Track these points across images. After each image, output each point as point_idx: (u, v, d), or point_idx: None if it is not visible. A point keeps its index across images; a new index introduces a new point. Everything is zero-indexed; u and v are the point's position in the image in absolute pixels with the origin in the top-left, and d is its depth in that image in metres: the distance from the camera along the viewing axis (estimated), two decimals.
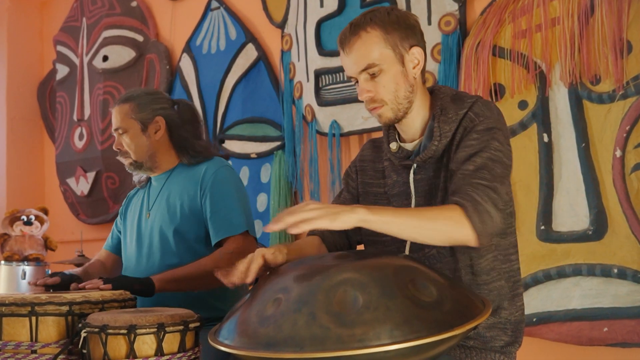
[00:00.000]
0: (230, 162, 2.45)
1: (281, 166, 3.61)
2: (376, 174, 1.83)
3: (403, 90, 1.67)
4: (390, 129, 1.80)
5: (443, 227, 1.50)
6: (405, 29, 1.67)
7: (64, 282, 2.15)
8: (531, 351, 2.60)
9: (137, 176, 2.46)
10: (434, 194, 1.68)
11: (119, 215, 2.53)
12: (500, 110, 1.70)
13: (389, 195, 1.78)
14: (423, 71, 1.72)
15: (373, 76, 1.66)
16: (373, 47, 1.65)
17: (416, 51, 1.68)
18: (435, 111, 1.70)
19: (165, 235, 2.27)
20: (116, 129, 2.36)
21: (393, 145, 1.77)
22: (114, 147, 2.37)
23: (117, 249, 2.50)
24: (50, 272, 3.73)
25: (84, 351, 1.62)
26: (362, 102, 1.72)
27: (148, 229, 2.32)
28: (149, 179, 2.44)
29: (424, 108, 1.73)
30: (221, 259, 2.15)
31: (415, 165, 1.72)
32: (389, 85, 1.66)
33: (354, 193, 1.88)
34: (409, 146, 1.75)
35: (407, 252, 1.71)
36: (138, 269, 2.32)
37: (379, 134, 1.85)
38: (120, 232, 2.49)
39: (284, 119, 3.61)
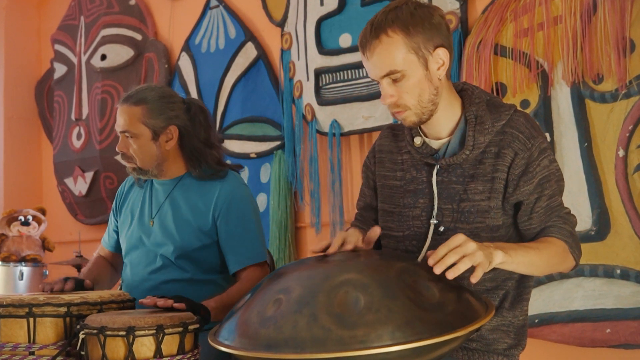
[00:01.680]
0: (242, 178, 2.35)
1: (281, 166, 3.60)
2: (394, 166, 1.77)
3: (427, 94, 1.61)
4: None
5: (556, 264, 1.60)
6: (429, 30, 1.58)
7: (77, 287, 2.07)
8: (533, 352, 2.58)
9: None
10: (454, 200, 1.65)
11: (112, 213, 2.44)
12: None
13: (404, 190, 1.73)
14: (448, 70, 1.65)
15: (396, 81, 1.59)
16: (395, 52, 1.56)
17: (441, 52, 1.60)
18: (469, 117, 1.65)
19: (171, 248, 2.19)
20: (123, 132, 2.19)
21: (417, 140, 1.71)
22: (117, 149, 2.22)
23: (116, 247, 2.42)
24: (47, 273, 3.74)
25: (82, 353, 1.62)
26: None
27: (151, 238, 2.24)
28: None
29: (453, 108, 1.67)
30: (250, 289, 2.08)
31: (438, 166, 1.68)
32: (412, 90, 1.60)
33: (373, 187, 1.83)
34: (434, 144, 1.70)
35: (420, 258, 1.68)
36: (141, 275, 2.24)
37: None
38: (115, 230, 2.42)
39: (284, 119, 3.60)
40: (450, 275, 1.36)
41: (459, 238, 1.39)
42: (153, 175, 2.24)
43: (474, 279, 1.38)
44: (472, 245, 1.38)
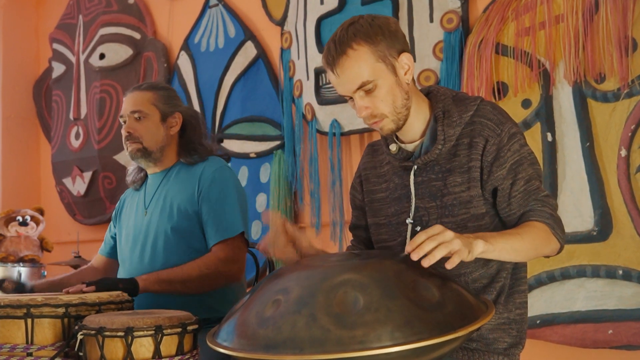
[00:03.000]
0: (229, 163, 2.43)
1: (281, 166, 3.59)
2: (378, 179, 1.82)
3: (400, 100, 1.65)
4: None
5: (540, 246, 1.59)
6: (390, 37, 1.63)
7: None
8: (535, 354, 2.58)
9: (132, 176, 2.45)
10: (436, 197, 1.68)
11: (112, 220, 2.52)
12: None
13: (390, 200, 1.77)
14: (413, 75, 1.70)
15: (368, 92, 1.62)
16: (364, 64, 1.60)
17: (405, 57, 1.65)
18: (437, 113, 1.69)
19: (163, 234, 2.26)
20: (134, 112, 2.30)
21: (393, 147, 1.76)
22: (124, 130, 2.31)
23: (111, 253, 2.49)
24: (46, 273, 3.72)
25: (81, 354, 1.62)
26: None
27: (144, 227, 2.31)
28: (144, 180, 2.43)
29: (422, 110, 1.71)
30: (209, 265, 2.16)
31: (415, 167, 1.71)
32: (386, 98, 1.63)
33: (362, 207, 1.87)
34: (409, 147, 1.74)
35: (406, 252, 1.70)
36: (133, 267, 2.31)
37: (379, 134, 1.82)
38: (113, 237, 2.49)
39: (284, 118, 3.59)
40: (426, 263, 1.36)
41: (437, 227, 1.40)
42: (155, 158, 2.34)
43: (449, 265, 1.37)
44: (449, 233, 1.39)
